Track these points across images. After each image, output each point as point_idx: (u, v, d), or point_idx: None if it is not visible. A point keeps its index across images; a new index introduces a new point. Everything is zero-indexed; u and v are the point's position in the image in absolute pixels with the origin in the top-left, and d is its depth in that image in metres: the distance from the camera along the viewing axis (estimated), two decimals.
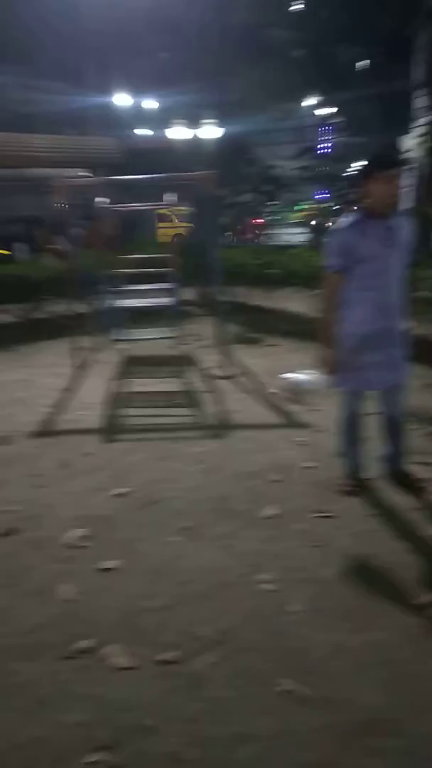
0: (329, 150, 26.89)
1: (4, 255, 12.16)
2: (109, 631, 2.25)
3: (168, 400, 5.06)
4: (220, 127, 16.00)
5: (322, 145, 27.55)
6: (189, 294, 7.58)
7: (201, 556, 2.71)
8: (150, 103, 22.93)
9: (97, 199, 8.20)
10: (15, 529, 2.96)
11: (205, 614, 2.33)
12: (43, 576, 2.59)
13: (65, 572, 2.61)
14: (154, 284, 6.43)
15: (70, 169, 12.78)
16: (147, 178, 6.00)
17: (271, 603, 2.38)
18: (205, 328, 7.09)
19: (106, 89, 21.86)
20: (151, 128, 22.69)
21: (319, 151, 26.26)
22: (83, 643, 2.17)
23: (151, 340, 6.50)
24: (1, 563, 2.70)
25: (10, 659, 2.13)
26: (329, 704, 1.90)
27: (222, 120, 16.27)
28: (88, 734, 1.82)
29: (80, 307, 6.30)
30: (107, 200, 7.42)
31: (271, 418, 4.48)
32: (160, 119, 21.49)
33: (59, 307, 7.24)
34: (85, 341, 6.15)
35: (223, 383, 5.39)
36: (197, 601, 2.41)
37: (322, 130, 27.99)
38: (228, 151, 18.49)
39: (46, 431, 4.36)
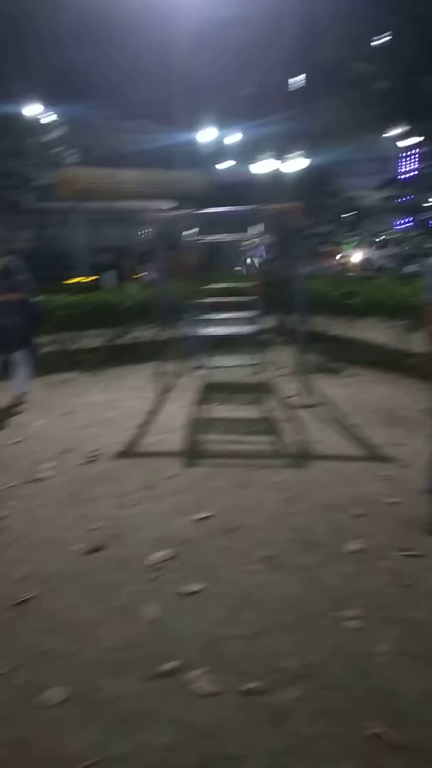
0: (413, 179, 26.51)
1: (92, 281, 12.76)
2: (193, 654, 2.26)
3: (248, 427, 5.08)
4: (304, 158, 16.22)
5: (405, 175, 27.22)
6: (269, 322, 7.62)
7: (284, 587, 2.68)
8: (233, 138, 23.57)
9: (185, 231, 8.49)
10: (101, 546, 3.05)
11: (288, 647, 2.29)
12: (128, 594, 2.65)
13: (149, 592, 2.66)
14: (237, 312, 6.53)
15: (155, 202, 13.35)
16: (235, 210, 6.15)
17: (357, 641, 2.32)
18: (284, 356, 7.11)
19: (192, 124, 22.71)
20: (234, 162, 23.30)
21: (401, 180, 25.97)
22: (168, 665, 2.19)
23: (231, 367, 6.59)
24: (88, 579, 2.78)
25: (97, 674, 2.18)
26: (420, 753, 1.81)
27: (306, 152, 16.49)
28: (173, 757, 1.82)
29: (164, 334, 6.50)
30: (195, 232, 7.66)
31: (353, 450, 4.39)
32: (244, 153, 22.01)
33: (144, 334, 7.50)
34: (168, 367, 6.32)
35: (302, 412, 5.36)
36: (281, 632, 2.38)
37: (405, 159, 27.69)
38: (311, 182, 18.67)
39: (130, 452, 4.49)
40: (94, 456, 4.39)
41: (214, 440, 4.76)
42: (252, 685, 2.09)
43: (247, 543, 3.07)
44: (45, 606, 2.60)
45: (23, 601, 2.62)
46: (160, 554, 2.95)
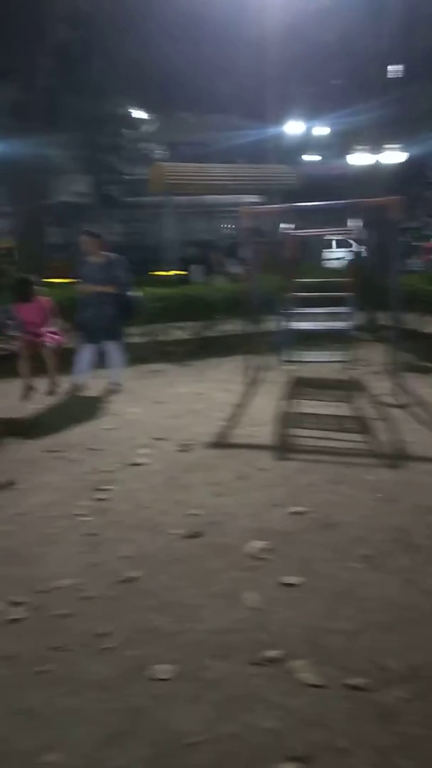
0: None
1: (182, 276, 13.01)
2: (294, 645, 2.28)
3: (338, 424, 5.03)
4: (401, 150, 15.67)
5: None
6: (360, 318, 7.48)
7: (383, 587, 2.65)
8: (323, 130, 23.17)
9: (281, 225, 8.48)
10: (200, 533, 3.14)
11: (391, 646, 2.27)
12: (228, 581, 2.72)
13: (248, 580, 2.71)
14: (329, 308, 6.46)
15: (245, 196, 13.38)
16: (333, 204, 6.08)
17: None
18: (375, 353, 6.96)
19: (281, 117, 22.52)
20: (325, 154, 22.92)
21: None
22: (270, 653, 2.24)
23: (322, 363, 6.53)
24: (188, 563, 2.87)
25: (201, 655, 2.26)
26: None
27: (402, 143, 15.94)
28: (280, 742, 1.86)
29: (253, 327, 6.53)
30: (291, 226, 7.63)
31: None
32: (335, 145, 21.60)
33: (232, 327, 7.58)
34: (257, 360, 6.35)
35: (394, 411, 5.23)
36: (382, 631, 2.36)
37: None
38: (407, 174, 18.05)
39: (221, 443, 4.57)
40: (187, 445, 4.50)
41: (305, 435, 4.75)
42: (356, 681, 2.09)
43: (344, 540, 3.06)
44: (148, 585, 2.71)
45: (128, 579, 2.75)
46: (257, 544, 2.99)
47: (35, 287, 6.02)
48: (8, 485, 3.83)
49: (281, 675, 2.14)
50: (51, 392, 5.88)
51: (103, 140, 19.12)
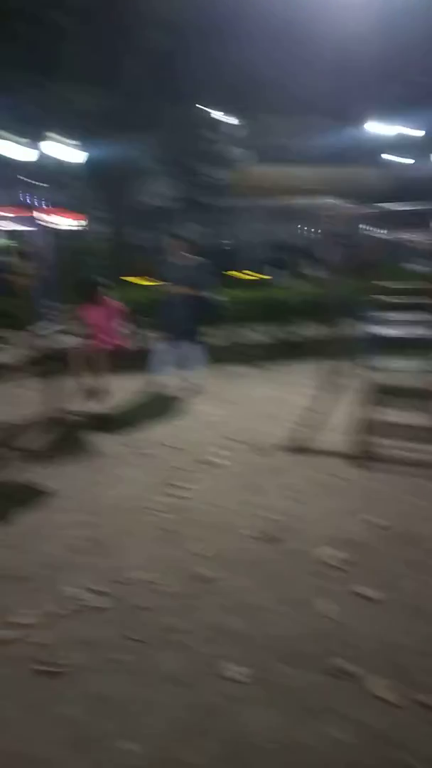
0: None
1: (262, 278, 13.03)
2: (370, 659, 2.24)
3: (419, 434, 4.85)
4: None
5: None
6: None
7: None
8: (415, 131, 22.43)
9: (366, 228, 8.32)
10: (275, 537, 3.14)
11: None
12: (303, 588, 2.70)
13: (324, 589, 2.69)
14: (414, 314, 6.25)
15: (329, 199, 13.17)
16: (421, 208, 5.87)
17: None
18: None
19: (368, 118, 22.01)
20: (413, 156, 22.19)
21: None
22: (345, 664, 2.21)
23: (404, 371, 6.33)
24: (264, 566, 2.88)
25: (275, 660, 2.26)
26: None
27: None
28: (353, 758, 1.83)
29: (333, 332, 6.43)
30: (376, 229, 7.46)
31: None
32: (428, 146, 20.89)
33: (310, 330, 7.51)
34: (337, 366, 6.24)
35: None
36: None
37: None
38: None
39: (297, 447, 4.54)
40: (263, 448, 4.51)
41: (384, 444, 4.63)
42: None
43: (425, 555, 2.96)
44: (223, 586, 2.74)
45: (203, 578, 2.79)
46: (333, 553, 2.96)
47: (103, 289, 5.76)
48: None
49: (356, 688, 2.11)
50: (96, 395, 5.50)
51: (189, 144, 19.45)
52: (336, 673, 2.18)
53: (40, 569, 2.89)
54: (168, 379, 6.26)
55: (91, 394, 5.47)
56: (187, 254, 6.04)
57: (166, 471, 4.08)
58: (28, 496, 3.73)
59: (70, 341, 5.68)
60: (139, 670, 2.23)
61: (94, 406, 5.52)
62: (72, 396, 5.41)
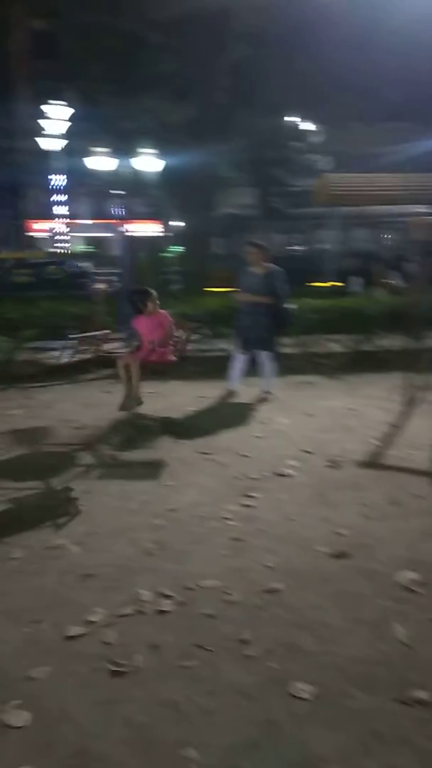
0: None
1: (339, 287, 12.81)
2: None
3: None
4: None
5: None
6: None
7: None
8: None
9: None
10: (348, 554, 3.04)
11: None
12: (375, 609, 2.59)
13: (398, 612, 2.56)
14: None
15: (415, 207, 12.76)
16: None
17: None
18: None
19: None
20: None
21: None
22: (419, 694, 2.09)
23: None
24: (335, 583, 2.79)
25: (344, 681, 2.17)
26: None
27: None
28: None
29: (414, 344, 6.19)
30: None
31: None
32: None
33: (390, 341, 7.27)
34: (417, 379, 6.00)
35: None
36: None
37: None
38: None
39: (374, 463, 4.39)
40: (336, 461, 4.39)
41: None
42: None
43: None
44: (291, 600, 2.67)
45: (271, 590, 2.74)
46: (410, 575, 2.82)
47: (154, 301, 5.58)
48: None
49: (430, 719, 1.99)
50: (129, 403, 5.32)
51: (271, 153, 19.49)
52: (410, 702, 2.07)
53: (110, 569, 2.94)
54: (241, 387, 6.26)
55: (127, 401, 5.28)
56: (262, 263, 6.02)
57: (237, 479, 4.06)
58: (103, 497, 3.82)
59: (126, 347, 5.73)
60: (203, 677, 2.21)
61: (130, 410, 5.36)
62: (144, 400, 5.50)
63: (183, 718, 2.03)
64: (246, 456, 4.51)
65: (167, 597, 2.69)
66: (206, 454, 4.56)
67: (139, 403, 5.35)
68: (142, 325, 5.62)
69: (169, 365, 5.66)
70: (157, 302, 5.62)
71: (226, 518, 3.47)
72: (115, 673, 2.22)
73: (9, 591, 2.77)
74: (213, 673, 2.23)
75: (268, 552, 3.07)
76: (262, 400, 6.13)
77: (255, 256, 6.01)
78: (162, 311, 5.60)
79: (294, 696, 2.10)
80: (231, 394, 6.19)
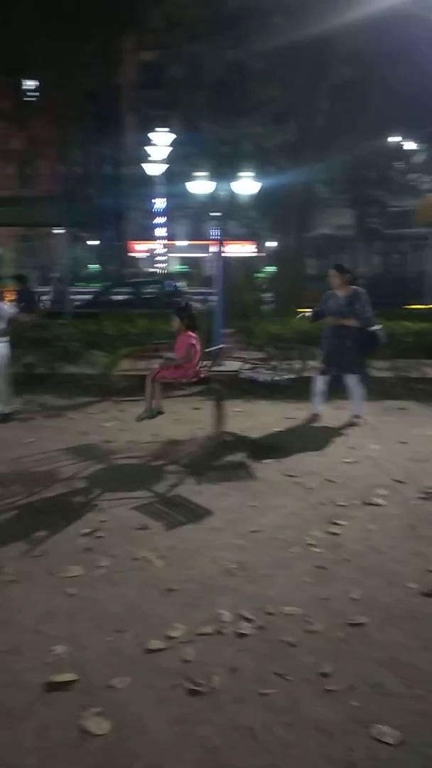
0: None
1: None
2: None
3: None
4: None
5: None
6: None
7: None
8: None
9: None
10: None
11: None
12: None
13: None
14: None
15: None
16: None
17: None
18: None
19: None
20: None
21: None
22: None
23: None
24: (425, 624, 2.64)
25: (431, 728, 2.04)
26: None
27: None
28: None
29: None
30: None
31: None
32: None
33: None
34: None
35: None
36: None
37: None
38: None
39: None
40: (430, 492, 4.18)
41: None
42: None
43: None
44: (378, 636, 2.56)
45: (356, 623, 2.64)
46: None
47: (176, 321, 5.35)
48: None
49: None
50: (147, 416, 5.26)
51: (371, 174, 19.20)
52: None
53: (192, 585, 2.96)
54: (328, 411, 6.13)
55: (143, 413, 5.24)
56: (345, 285, 5.89)
57: (323, 505, 3.96)
58: (187, 513, 3.87)
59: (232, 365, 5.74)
60: (281, 707, 2.15)
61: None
62: (230, 419, 5.53)
63: (260, 747, 1.98)
64: (333, 481, 4.40)
65: (247, 620, 2.66)
66: (292, 476, 4.50)
67: (153, 415, 5.22)
68: (180, 341, 5.36)
69: (201, 381, 5.49)
70: (187, 322, 5.31)
71: (311, 544, 3.39)
72: (193, 692, 2.22)
73: (95, 598, 2.86)
74: (292, 703, 2.17)
75: (354, 584, 2.96)
76: (352, 424, 5.96)
77: (337, 279, 5.90)
78: (189, 333, 5.27)
79: (377, 739, 2.00)
80: (316, 417, 6.07)
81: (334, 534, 3.53)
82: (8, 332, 6.12)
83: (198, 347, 5.26)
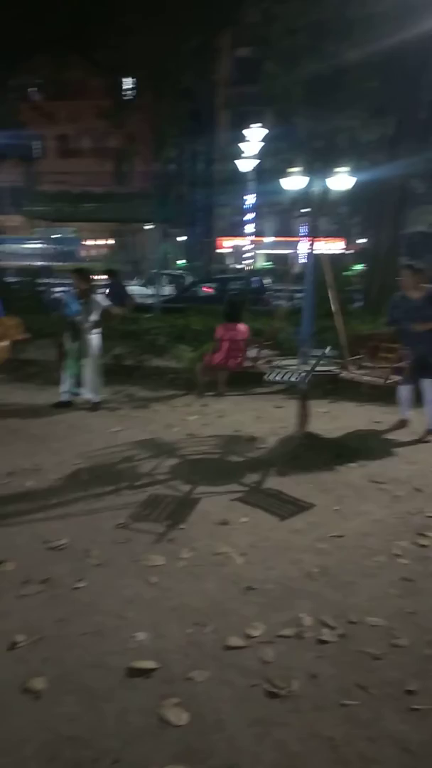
0: None
1: None
2: None
3: None
4: None
5: None
6: None
7: None
8: None
9: None
10: None
11: None
12: None
13: None
14: None
15: None
16: None
17: None
18: None
19: None
20: None
21: None
22: None
23: None
24: None
25: None
26: None
27: None
28: None
29: None
30: None
31: None
32: None
33: None
34: None
35: None
36: None
37: None
38: None
39: None
40: None
41: None
42: None
43: None
44: None
45: None
46: None
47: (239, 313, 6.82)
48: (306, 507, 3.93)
49: None
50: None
51: None
52: None
53: (272, 586, 2.93)
54: (415, 416, 5.86)
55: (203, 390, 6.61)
56: (419, 285, 5.53)
57: (411, 515, 3.80)
58: (268, 511, 3.84)
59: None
60: (363, 721, 2.08)
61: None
62: (314, 419, 5.43)
63: (339, 759, 1.93)
64: (422, 491, 4.21)
65: (329, 626, 2.60)
66: (378, 483, 4.35)
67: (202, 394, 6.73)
68: (224, 333, 6.65)
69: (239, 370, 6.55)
70: (240, 315, 6.85)
71: (397, 555, 3.26)
72: (272, 695, 2.19)
73: (175, 589, 2.90)
74: (374, 718, 2.10)
75: None
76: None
77: (410, 279, 5.53)
78: (226, 323, 6.70)
79: None
80: (404, 422, 5.82)
81: (423, 546, 3.37)
82: (101, 324, 6.34)
83: (227, 336, 6.54)
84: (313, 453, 4.97)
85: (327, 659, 2.40)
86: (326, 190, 7.34)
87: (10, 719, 2.08)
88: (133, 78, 16.67)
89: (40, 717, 2.09)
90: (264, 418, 6.04)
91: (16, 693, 2.20)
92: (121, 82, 16.62)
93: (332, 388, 6.73)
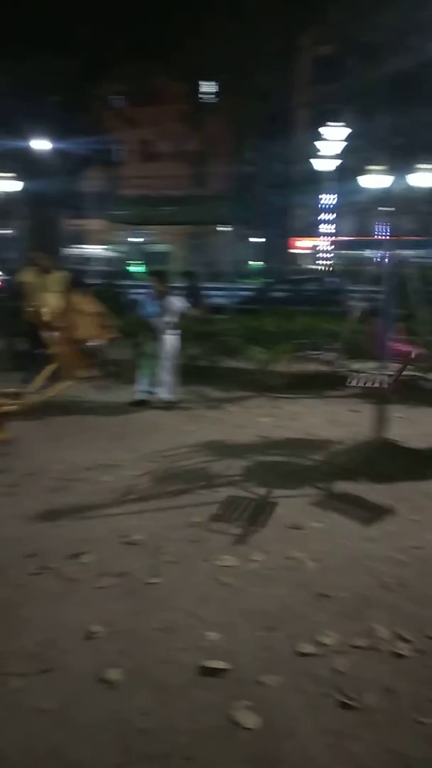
0: None
1: None
2: None
3: None
4: None
5: None
6: None
7: None
8: None
9: None
10: None
11: None
12: None
13: None
14: None
15: None
16: None
17: None
18: None
19: None
20: None
21: None
22: None
23: None
24: None
25: None
26: None
27: None
28: None
29: None
30: None
31: None
32: None
33: None
34: None
35: None
36: None
37: None
38: None
39: None
40: None
41: None
42: None
43: None
44: None
45: None
46: None
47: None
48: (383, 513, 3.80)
49: None
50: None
51: None
52: None
53: (346, 594, 2.87)
54: None
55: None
56: None
57: None
58: (342, 517, 3.76)
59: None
60: None
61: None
62: (391, 424, 5.26)
63: None
64: None
65: (405, 640, 2.51)
66: None
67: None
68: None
69: None
70: None
71: None
72: (345, 706, 2.14)
73: (247, 591, 2.90)
74: None
75: None
76: None
77: None
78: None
79: None
80: None
81: None
82: (179, 326, 6.45)
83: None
84: (389, 459, 4.82)
85: (403, 674, 2.32)
86: (408, 188, 7.12)
87: (87, 707, 2.15)
88: (213, 81, 16.85)
89: (114, 707, 2.14)
90: (338, 422, 5.92)
91: (92, 682, 2.27)
92: (199, 86, 16.83)
93: (411, 392, 6.51)
